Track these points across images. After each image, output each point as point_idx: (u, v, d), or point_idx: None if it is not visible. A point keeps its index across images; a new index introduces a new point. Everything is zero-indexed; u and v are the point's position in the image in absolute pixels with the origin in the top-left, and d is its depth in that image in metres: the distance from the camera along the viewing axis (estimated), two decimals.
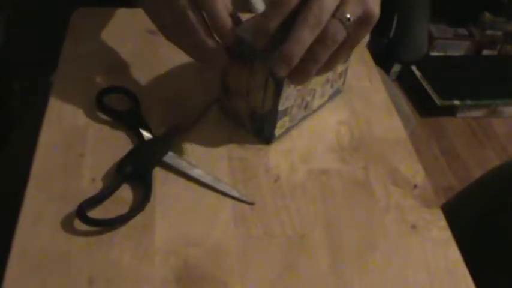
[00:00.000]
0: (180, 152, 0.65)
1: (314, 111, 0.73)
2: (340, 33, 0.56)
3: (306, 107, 0.71)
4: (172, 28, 0.62)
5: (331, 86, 0.74)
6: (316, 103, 0.73)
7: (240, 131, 0.69)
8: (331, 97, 0.75)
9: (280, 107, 0.65)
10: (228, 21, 0.59)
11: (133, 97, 0.70)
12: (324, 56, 0.57)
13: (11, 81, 0.89)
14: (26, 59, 0.61)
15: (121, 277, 0.53)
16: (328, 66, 0.60)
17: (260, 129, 0.68)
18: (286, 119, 0.68)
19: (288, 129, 0.70)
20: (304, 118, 0.72)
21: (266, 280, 0.55)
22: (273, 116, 0.66)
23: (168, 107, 0.71)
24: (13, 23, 0.87)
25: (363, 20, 0.58)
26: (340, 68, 0.73)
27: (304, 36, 0.55)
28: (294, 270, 0.56)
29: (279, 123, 0.67)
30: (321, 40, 0.56)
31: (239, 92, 0.67)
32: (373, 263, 0.58)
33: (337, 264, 0.57)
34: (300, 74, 0.58)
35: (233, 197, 0.62)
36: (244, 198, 0.62)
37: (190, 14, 0.58)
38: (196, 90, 0.74)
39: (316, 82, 0.69)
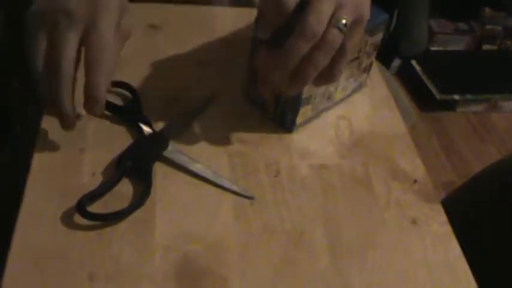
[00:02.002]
0: (180, 147, 0.65)
1: (336, 103, 0.74)
2: (337, 40, 0.57)
3: (328, 98, 0.71)
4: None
5: (355, 80, 0.74)
6: (338, 95, 0.73)
7: (239, 126, 0.69)
8: (354, 91, 0.76)
9: (304, 94, 0.65)
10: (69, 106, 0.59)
11: (133, 92, 0.70)
12: (323, 62, 0.58)
13: (11, 80, 0.89)
14: (26, 57, 0.61)
15: (121, 273, 0.53)
16: (331, 73, 0.60)
17: (283, 116, 0.69)
18: (309, 107, 0.68)
19: (310, 119, 0.71)
20: (326, 109, 0.73)
21: (266, 275, 0.55)
22: (296, 102, 0.66)
23: (168, 102, 0.71)
24: (12, 21, 0.86)
25: (357, 23, 0.59)
26: (364, 63, 0.74)
27: (301, 47, 0.56)
28: (294, 266, 0.56)
29: (301, 111, 0.68)
30: (319, 47, 0.57)
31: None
32: (373, 258, 0.58)
33: (337, 259, 0.57)
34: (300, 79, 0.59)
35: (233, 192, 0.62)
36: (244, 193, 0.62)
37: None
38: (196, 85, 0.74)
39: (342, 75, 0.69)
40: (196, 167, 0.63)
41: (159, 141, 0.65)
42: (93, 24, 0.57)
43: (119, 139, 0.65)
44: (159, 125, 0.67)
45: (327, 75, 0.60)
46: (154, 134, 0.66)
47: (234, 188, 0.62)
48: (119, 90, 0.70)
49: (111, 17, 0.59)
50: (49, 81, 0.57)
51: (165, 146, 0.64)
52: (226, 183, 0.62)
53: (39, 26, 0.57)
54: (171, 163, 0.63)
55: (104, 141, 0.65)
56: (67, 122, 0.60)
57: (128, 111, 0.68)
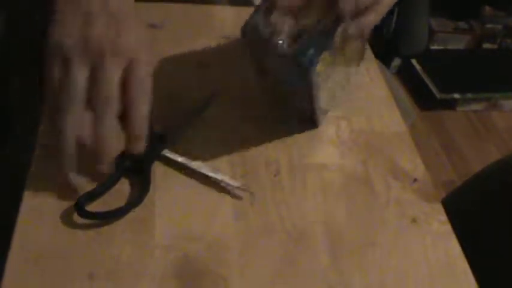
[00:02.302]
0: (179, 147, 0.65)
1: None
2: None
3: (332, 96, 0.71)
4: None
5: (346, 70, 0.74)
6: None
7: (239, 126, 0.69)
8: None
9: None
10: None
11: None
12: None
13: (11, 80, 0.89)
14: (26, 57, 0.60)
15: (121, 272, 0.53)
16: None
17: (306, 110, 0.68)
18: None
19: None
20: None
21: (266, 274, 0.55)
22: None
23: (168, 101, 0.71)
24: (13, 21, 0.86)
25: None
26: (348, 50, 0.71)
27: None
28: (294, 265, 0.56)
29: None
30: None
31: None
32: (373, 257, 0.58)
33: (337, 259, 0.57)
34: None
35: (234, 187, 0.61)
36: (244, 187, 0.61)
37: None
38: (196, 84, 0.74)
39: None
40: (195, 164, 0.63)
41: (157, 141, 0.65)
42: (137, 59, 0.55)
43: (119, 138, 0.65)
44: (159, 125, 0.67)
45: None
46: (153, 133, 0.66)
47: (234, 183, 0.62)
48: None
49: (151, 51, 0.57)
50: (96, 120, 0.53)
51: (164, 146, 0.64)
52: (226, 179, 0.62)
53: (75, 56, 0.53)
54: (169, 162, 0.63)
55: None
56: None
57: None
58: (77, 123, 0.53)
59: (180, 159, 0.63)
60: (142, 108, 0.55)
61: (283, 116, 0.71)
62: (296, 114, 0.70)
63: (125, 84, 0.54)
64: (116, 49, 0.54)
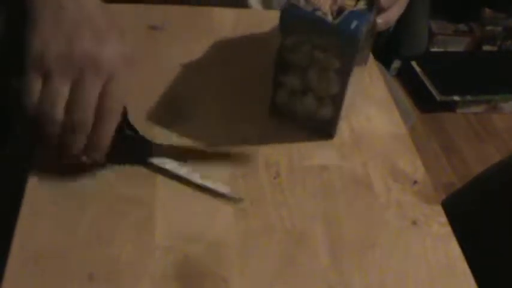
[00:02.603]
0: (176, 149, 0.65)
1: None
2: None
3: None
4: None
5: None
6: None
7: (239, 127, 0.69)
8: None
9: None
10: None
11: None
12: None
13: (11, 80, 0.89)
14: (26, 57, 0.61)
15: (121, 273, 0.53)
16: None
17: (324, 122, 0.69)
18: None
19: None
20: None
21: (266, 275, 0.55)
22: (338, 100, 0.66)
23: (168, 103, 0.71)
24: (12, 21, 0.86)
25: None
26: None
27: None
28: (294, 266, 0.56)
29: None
30: None
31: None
32: (373, 259, 0.58)
33: (337, 260, 0.57)
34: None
35: (221, 194, 0.61)
36: (232, 195, 0.61)
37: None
38: (197, 86, 0.74)
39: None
40: (184, 171, 0.62)
41: (142, 146, 0.64)
42: (117, 76, 0.55)
43: None
44: (157, 127, 0.67)
45: None
46: (138, 138, 0.64)
47: (223, 189, 0.61)
48: None
49: (131, 67, 0.57)
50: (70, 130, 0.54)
51: (150, 152, 0.63)
52: (216, 186, 0.61)
53: (56, 70, 0.53)
54: (156, 169, 0.63)
55: None
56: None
57: None
58: (56, 132, 0.54)
59: (168, 166, 0.62)
60: (108, 125, 0.55)
61: (290, 127, 0.70)
62: (312, 124, 0.70)
63: (100, 96, 0.54)
64: (97, 66, 0.54)
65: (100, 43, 0.55)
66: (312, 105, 0.68)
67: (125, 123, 0.61)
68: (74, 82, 0.53)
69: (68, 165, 0.59)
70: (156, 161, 0.63)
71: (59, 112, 0.53)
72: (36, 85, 0.53)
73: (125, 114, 0.61)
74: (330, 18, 0.61)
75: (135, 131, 0.63)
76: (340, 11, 0.62)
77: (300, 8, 0.61)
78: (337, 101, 0.67)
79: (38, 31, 0.54)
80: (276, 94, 0.69)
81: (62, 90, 0.53)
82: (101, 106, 0.54)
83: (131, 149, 0.63)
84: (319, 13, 0.60)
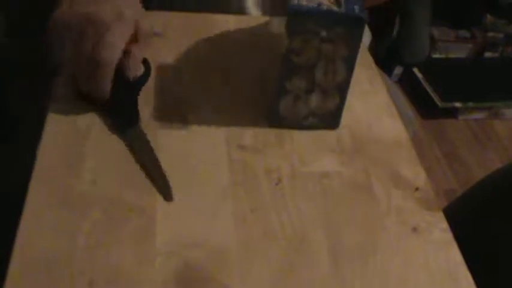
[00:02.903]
0: (178, 152, 0.65)
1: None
2: None
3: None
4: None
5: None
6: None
7: (240, 133, 0.69)
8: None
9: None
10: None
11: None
12: None
13: (11, 80, 0.89)
14: (27, 57, 0.62)
15: (121, 279, 0.53)
16: None
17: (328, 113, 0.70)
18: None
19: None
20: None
21: (266, 282, 0.55)
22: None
23: (169, 109, 0.71)
24: (13, 22, 0.87)
25: None
26: None
27: None
28: (295, 273, 0.56)
29: None
30: None
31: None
32: (374, 266, 0.58)
33: (337, 267, 0.57)
34: None
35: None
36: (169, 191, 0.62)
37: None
38: (197, 92, 0.74)
39: None
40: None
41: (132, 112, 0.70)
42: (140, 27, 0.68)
43: (121, 144, 0.65)
44: (156, 132, 0.67)
45: None
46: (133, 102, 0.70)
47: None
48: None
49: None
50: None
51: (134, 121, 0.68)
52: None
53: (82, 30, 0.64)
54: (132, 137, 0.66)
55: (106, 146, 0.65)
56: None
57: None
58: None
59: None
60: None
61: (296, 119, 0.71)
62: (314, 119, 0.71)
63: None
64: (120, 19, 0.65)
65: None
66: (317, 101, 0.69)
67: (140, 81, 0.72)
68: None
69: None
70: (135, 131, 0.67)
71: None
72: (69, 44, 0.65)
73: (147, 72, 0.72)
74: (335, 8, 0.64)
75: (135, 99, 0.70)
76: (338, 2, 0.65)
77: (306, 6, 0.63)
78: (343, 89, 0.69)
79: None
80: (279, 103, 0.69)
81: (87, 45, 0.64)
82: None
83: (123, 103, 0.69)
84: (324, 6, 0.63)
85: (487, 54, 2.51)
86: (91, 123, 0.67)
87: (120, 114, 0.68)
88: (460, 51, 2.47)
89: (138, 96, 0.71)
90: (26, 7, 0.59)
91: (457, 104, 2.25)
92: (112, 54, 0.64)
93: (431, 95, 2.25)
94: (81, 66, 0.65)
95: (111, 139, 0.66)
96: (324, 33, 0.64)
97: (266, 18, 0.87)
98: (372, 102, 0.78)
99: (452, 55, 2.46)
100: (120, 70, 0.68)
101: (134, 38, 0.68)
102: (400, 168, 0.69)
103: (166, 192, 0.61)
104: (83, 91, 0.67)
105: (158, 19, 0.83)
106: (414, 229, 0.62)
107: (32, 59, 0.80)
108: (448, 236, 0.62)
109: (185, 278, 0.54)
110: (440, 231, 0.63)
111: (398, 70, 2.26)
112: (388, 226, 0.62)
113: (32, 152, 0.63)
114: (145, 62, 0.73)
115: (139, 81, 0.72)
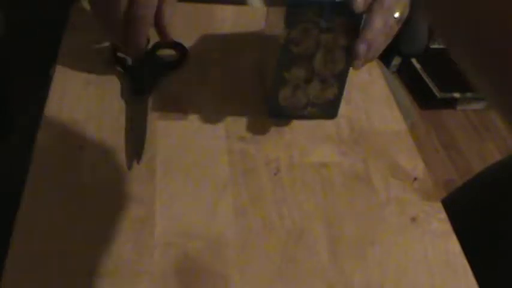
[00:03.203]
0: (177, 143, 0.65)
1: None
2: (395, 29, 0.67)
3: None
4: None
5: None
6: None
7: (239, 124, 0.69)
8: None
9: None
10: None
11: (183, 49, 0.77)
12: (383, 46, 0.67)
13: (11, 78, 0.89)
14: (26, 56, 0.61)
15: (121, 270, 0.53)
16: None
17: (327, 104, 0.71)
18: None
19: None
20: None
21: (266, 273, 0.55)
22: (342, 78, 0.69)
23: (168, 102, 0.71)
24: (12, 20, 0.86)
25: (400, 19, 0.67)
26: None
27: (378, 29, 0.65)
28: (294, 263, 0.56)
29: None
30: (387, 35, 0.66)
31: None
32: (372, 256, 0.58)
33: (336, 257, 0.58)
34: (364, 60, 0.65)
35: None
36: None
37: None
38: (196, 84, 0.74)
39: None
40: None
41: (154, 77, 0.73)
42: None
43: (119, 137, 0.65)
44: (155, 124, 0.67)
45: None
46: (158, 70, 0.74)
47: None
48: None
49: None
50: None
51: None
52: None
53: None
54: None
55: (104, 139, 0.65)
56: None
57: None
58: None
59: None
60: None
61: (294, 107, 0.71)
62: (313, 109, 0.71)
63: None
64: None
65: None
66: (316, 90, 0.69)
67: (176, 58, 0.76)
68: None
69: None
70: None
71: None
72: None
73: (183, 53, 0.77)
74: None
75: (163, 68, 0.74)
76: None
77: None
78: (342, 79, 0.69)
79: None
80: (278, 93, 0.69)
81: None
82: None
83: (145, 73, 0.73)
84: None
85: None
86: (89, 113, 0.67)
87: (137, 81, 0.72)
88: None
89: (165, 77, 0.73)
90: (25, 6, 0.58)
91: (456, 95, 2.25)
92: (147, 10, 0.64)
93: (430, 85, 2.25)
94: (118, 22, 0.65)
95: (110, 129, 0.66)
96: (323, 23, 0.64)
97: (265, 9, 0.87)
98: (370, 92, 0.78)
99: None
100: (154, 52, 0.74)
101: None
102: (399, 158, 0.69)
103: (130, 159, 0.63)
104: (120, 46, 0.70)
105: None
106: (413, 219, 0.62)
107: (30, 58, 0.81)
108: (447, 226, 0.62)
109: (184, 268, 0.54)
110: (439, 221, 0.63)
111: (396, 61, 2.26)
112: (386, 216, 0.62)
113: (29, 151, 0.63)
114: (182, 48, 0.77)
115: (170, 63, 0.75)
